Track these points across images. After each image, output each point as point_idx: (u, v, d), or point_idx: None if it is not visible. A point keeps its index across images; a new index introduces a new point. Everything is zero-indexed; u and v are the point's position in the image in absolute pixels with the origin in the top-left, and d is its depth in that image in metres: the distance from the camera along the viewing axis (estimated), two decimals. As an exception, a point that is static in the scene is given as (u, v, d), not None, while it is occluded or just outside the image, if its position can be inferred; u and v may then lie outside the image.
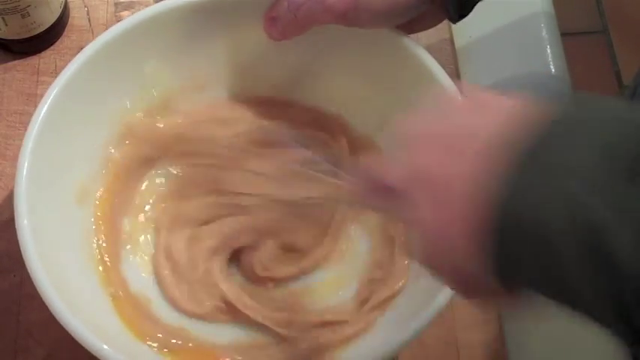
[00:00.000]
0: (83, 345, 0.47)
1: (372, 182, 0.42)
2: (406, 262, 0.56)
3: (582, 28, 1.44)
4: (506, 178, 0.33)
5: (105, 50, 0.54)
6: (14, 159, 0.52)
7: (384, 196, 0.40)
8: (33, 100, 0.64)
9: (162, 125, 0.59)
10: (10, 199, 0.50)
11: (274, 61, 0.60)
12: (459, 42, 0.67)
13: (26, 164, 0.50)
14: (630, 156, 0.32)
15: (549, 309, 0.36)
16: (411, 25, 0.55)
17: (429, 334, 0.58)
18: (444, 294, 0.49)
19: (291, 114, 0.62)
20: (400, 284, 0.55)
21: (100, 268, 0.56)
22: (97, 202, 0.57)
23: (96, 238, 0.56)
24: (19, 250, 0.48)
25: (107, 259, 0.56)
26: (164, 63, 0.58)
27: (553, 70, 0.66)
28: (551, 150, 0.33)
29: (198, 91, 0.61)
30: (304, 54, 0.59)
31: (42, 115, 0.52)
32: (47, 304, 0.47)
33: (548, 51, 0.67)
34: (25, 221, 0.49)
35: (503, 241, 0.34)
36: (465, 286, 0.39)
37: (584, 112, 0.34)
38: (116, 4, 0.69)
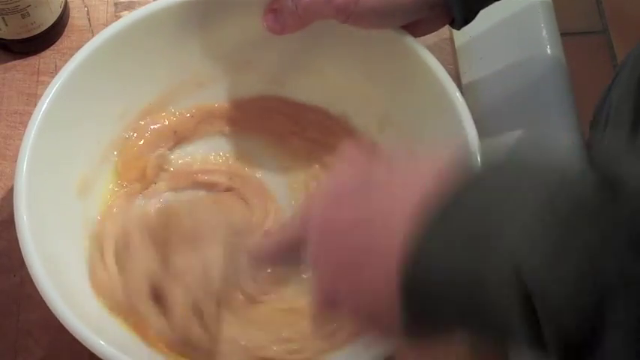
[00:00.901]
0: (79, 339, 0.47)
1: (274, 245, 0.45)
2: None
3: (582, 28, 1.44)
4: (419, 236, 0.35)
5: (104, 48, 0.55)
6: (14, 159, 0.52)
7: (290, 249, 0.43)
8: (33, 100, 0.64)
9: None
10: (10, 199, 0.50)
11: (274, 58, 0.60)
12: (458, 41, 0.67)
13: (26, 160, 0.50)
14: (562, 213, 0.33)
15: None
16: (410, 30, 0.55)
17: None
18: None
19: (293, 113, 0.62)
20: None
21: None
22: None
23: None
24: (20, 250, 0.48)
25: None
26: (163, 61, 0.59)
27: (552, 70, 0.66)
28: (459, 217, 0.35)
29: (198, 89, 0.61)
30: (306, 52, 0.59)
31: (42, 112, 0.52)
32: (45, 299, 0.47)
33: (548, 51, 0.67)
34: (25, 217, 0.49)
35: (411, 297, 0.36)
36: (361, 321, 0.41)
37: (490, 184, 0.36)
38: (116, 4, 0.69)
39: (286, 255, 0.45)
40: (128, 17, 0.55)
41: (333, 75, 0.60)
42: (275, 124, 0.62)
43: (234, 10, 0.57)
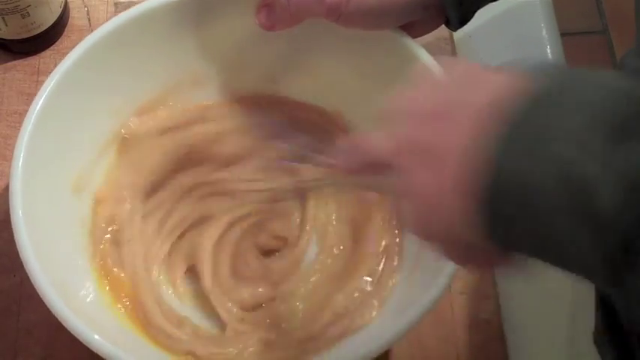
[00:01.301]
0: (77, 337, 0.47)
1: (359, 158, 0.41)
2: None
3: (582, 28, 1.44)
4: (495, 143, 0.34)
5: (100, 45, 0.55)
6: (14, 159, 0.52)
7: (373, 171, 0.40)
8: (33, 100, 0.64)
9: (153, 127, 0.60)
10: (9, 198, 0.50)
11: (270, 56, 0.60)
12: (458, 41, 0.67)
13: (21, 158, 0.51)
14: (617, 119, 0.32)
15: (541, 271, 0.37)
16: (404, 31, 0.55)
17: (429, 334, 0.58)
18: (438, 287, 0.49)
19: (290, 111, 0.62)
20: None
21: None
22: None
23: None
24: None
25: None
26: (159, 58, 0.59)
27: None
28: (540, 114, 0.34)
29: (194, 87, 0.61)
30: (302, 50, 0.59)
31: (37, 108, 0.52)
32: (42, 297, 0.47)
33: (548, 51, 0.67)
34: (20, 213, 0.49)
35: (495, 203, 0.34)
36: (459, 252, 0.39)
37: (571, 80, 0.35)
38: (116, 4, 0.69)
39: (367, 177, 0.42)
40: (124, 15, 0.55)
41: (328, 73, 0.60)
42: (270, 121, 0.62)
43: (230, 9, 0.57)
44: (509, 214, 0.34)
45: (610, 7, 1.47)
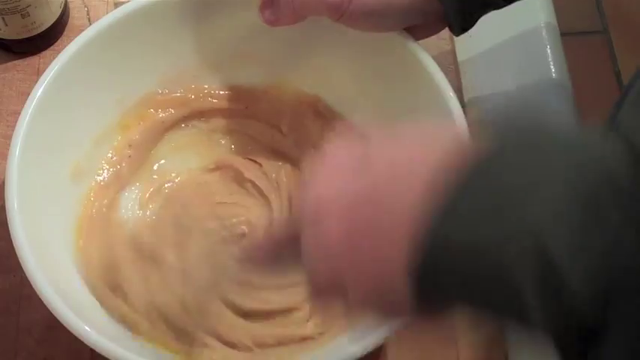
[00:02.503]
0: (75, 334, 0.47)
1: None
2: None
3: (582, 28, 1.43)
4: (440, 205, 0.33)
5: (98, 39, 0.55)
6: (14, 159, 0.52)
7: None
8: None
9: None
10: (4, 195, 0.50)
11: (271, 51, 0.61)
12: (458, 41, 0.67)
13: (17, 152, 0.51)
14: (587, 197, 0.31)
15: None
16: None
17: (429, 334, 0.58)
18: None
19: (289, 105, 0.62)
20: None
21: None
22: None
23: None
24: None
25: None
26: (159, 52, 0.59)
27: (553, 71, 0.66)
28: (499, 174, 0.33)
29: (193, 80, 0.61)
30: (304, 46, 0.59)
31: (34, 103, 0.52)
32: (39, 294, 0.47)
33: (548, 51, 0.67)
34: (15, 205, 0.49)
35: (433, 268, 0.34)
36: (387, 310, 0.39)
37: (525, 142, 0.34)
38: (116, 4, 0.69)
39: (283, 254, 0.42)
40: (122, 9, 0.56)
41: (329, 68, 0.60)
42: (270, 116, 0.62)
43: (232, 2, 0.57)
44: (446, 282, 0.34)
45: (610, 7, 1.47)
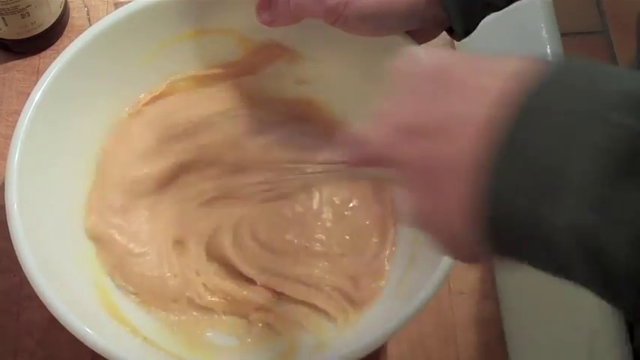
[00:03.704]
0: (76, 335, 0.47)
1: (363, 152, 0.40)
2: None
3: (582, 28, 1.44)
4: (495, 167, 0.33)
5: (99, 39, 0.55)
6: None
7: (376, 164, 0.40)
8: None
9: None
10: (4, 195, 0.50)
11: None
12: (458, 43, 0.67)
13: (17, 154, 0.51)
14: (622, 154, 0.31)
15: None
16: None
17: (429, 334, 0.58)
18: (434, 283, 0.49)
19: (288, 106, 0.62)
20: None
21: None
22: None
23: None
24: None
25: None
26: (160, 53, 0.59)
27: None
28: (541, 144, 0.32)
29: (194, 81, 0.61)
30: (305, 43, 0.59)
31: (33, 104, 0.52)
32: (39, 295, 0.47)
33: (548, 51, 0.67)
34: (15, 206, 0.49)
35: (495, 230, 0.34)
36: (455, 250, 0.39)
37: (572, 92, 0.33)
38: (116, 4, 0.69)
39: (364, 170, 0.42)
40: (124, 9, 0.56)
41: (329, 67, 0.60)
42: (267, 114, 0.62)
43: (232, 2, 0.57)
44: (511, 241, 0.34)
45: (610, 7, 1.47)
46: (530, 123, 0.33)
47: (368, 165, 0.41)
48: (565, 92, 0.33)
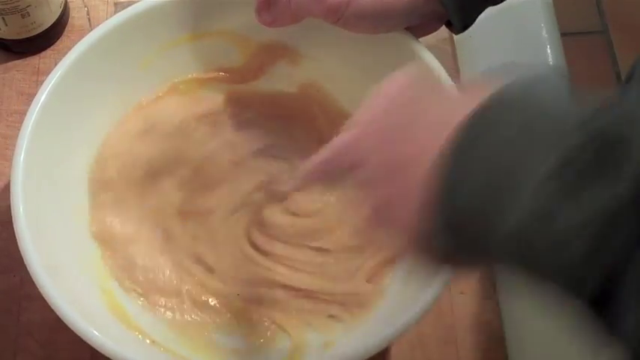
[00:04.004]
0: (81, 336, 0.47)
1: (331, 166, 0.43)
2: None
3: (582, 28, 1.44)
4: (452, 162, 0.35)
5: (103, 41, 0.55)
6: (14, 159, 0.52)
7: (343, 173, 0.42)
8: (33, 100, 0.64)
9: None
10: (9, 199, 0.50)
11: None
12: (458, 41, 0.67)
13: (22, 155, 0.51)
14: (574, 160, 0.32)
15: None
16: None
17: (430, 334, 0.58)
18: (433, 291, 0.49)
19: (289, 101, 0.62)
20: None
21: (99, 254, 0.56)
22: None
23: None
24: (20, 251, 0.48)
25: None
26: (162, 55, 0.59)
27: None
28: (493, 143, 0.35)
29: (197, 83, 0.61)
30: (306, 40, 0.59)
31: (38, 106, 0.52)
32: (45, 297, 0.47)
33: (548, 51, 0.67)
34: (21, 208, 0.49)
35: (447, 219, 0.36)
36: (412, 244, 0.40)
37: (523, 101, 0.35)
38: (116, 4, 0.69)
39: (335, 173, 0.44)
40: (125, 13, 0.56)
41: (330, 66, 0.60)
42: (269, 110, 0.63)
43: (232, 2, 0.57)
44: (466, 241, 0.36)
45: (610, 7, 1.47)
46: (488, 125, 0.35)
47: (336, 175, 0.44)
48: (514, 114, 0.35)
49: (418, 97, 0.41)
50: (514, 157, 0.34)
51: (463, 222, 0.35)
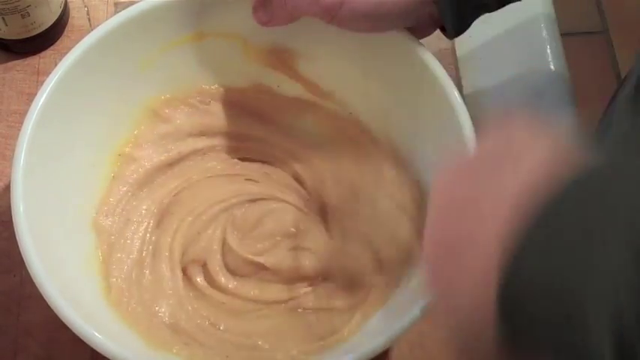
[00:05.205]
0: (80, 336, 0.47)
1: None
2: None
3: (582, 28, 1.44)
4: (520, 253, 0.33)
5: (102, 43, 0.55)
6: (14, 159, 0.52)
7: None
8: (33, 100, 0.64)
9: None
10: (9, 199, 0.50)
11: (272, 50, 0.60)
12: (458, 41, 0.67)
13: (23, 156, 0.51)
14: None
15: None
16: None
17: (430, 335, 0.58)
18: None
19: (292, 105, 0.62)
20: None
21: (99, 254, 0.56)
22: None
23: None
24: (20, 251, 0.48)
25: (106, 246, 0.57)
26: (163, 55, 0.59)
27: (553, 70, 0.66)
28: (576, 228, 0.32)
29: (197, 83, 0.61)
30: (305, 41, 0.59)
31: (39, 106, 0.52)
32: (44, 295, 0.47)
33: (548, 51, 0.67)
34: (21, 209, 0.49)
35: (508, 309, 0.33)
36: (466, 332, 0.38)
37: (616, 190, 0.32)
38: (116, 4, 0.69)
39: None
40: (125, 13, 0.55)
41: (330, 65, 0.60)
42: (271, 111, 0.63)
43: (231, 4, 0.57)
44: (522, 322, 0.33)
45: (610, 7, 1.48)
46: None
47: None
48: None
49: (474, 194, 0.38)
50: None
51: (524, 305, 0.33)
